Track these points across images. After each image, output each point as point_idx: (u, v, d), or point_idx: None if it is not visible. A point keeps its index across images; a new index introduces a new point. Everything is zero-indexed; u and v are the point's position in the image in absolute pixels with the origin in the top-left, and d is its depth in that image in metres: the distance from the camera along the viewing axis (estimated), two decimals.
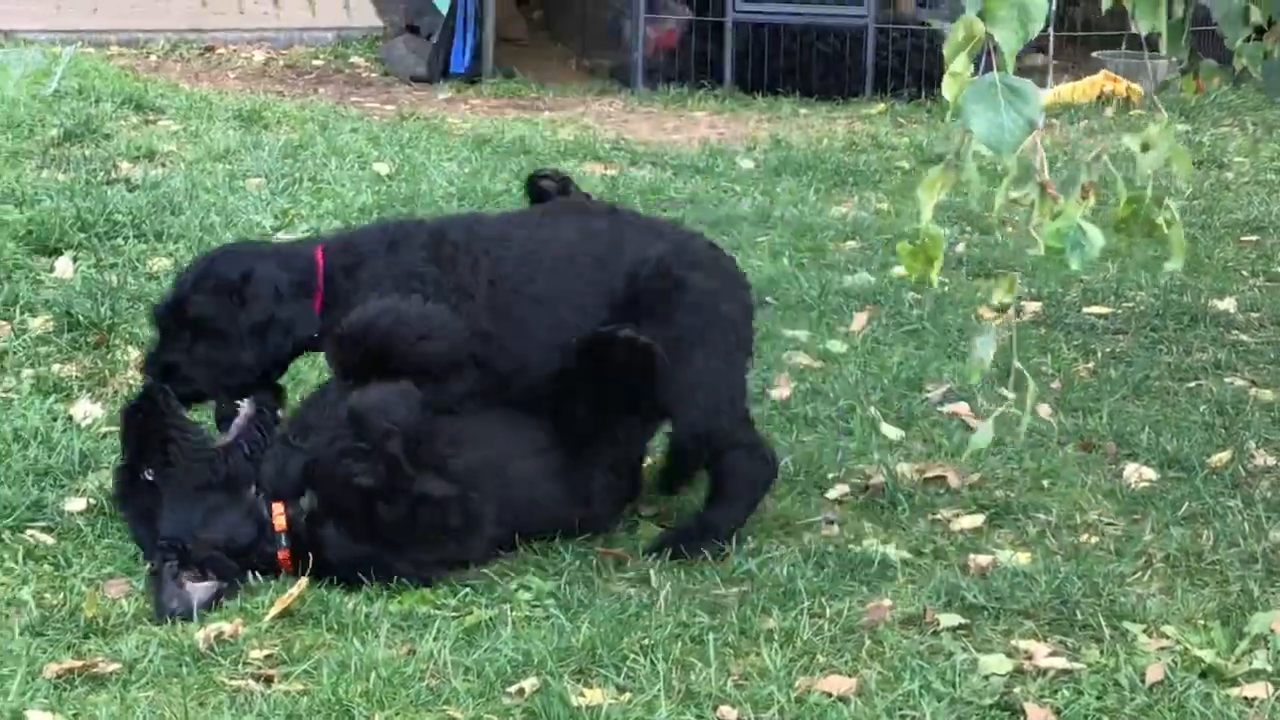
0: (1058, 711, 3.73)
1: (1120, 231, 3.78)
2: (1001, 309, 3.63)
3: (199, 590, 4.13)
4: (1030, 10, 3.35)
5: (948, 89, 3.42)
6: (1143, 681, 3.82)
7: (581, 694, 3.73)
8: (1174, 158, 3.77)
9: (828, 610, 4.13)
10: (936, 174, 3.59)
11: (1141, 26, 4.13)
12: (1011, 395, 5.47)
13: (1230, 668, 3.89)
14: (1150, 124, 3.74)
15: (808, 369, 5.79)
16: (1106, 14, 4.44)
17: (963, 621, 4.10)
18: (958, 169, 3.51)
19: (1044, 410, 5.33)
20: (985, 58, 3.41)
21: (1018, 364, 3.81)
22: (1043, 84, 9.87)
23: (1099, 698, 3.78)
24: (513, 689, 3.76)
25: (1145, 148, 3.74)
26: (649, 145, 9.17)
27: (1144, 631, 4.05)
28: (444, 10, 10.84)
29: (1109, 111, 10.20)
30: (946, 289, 6.57)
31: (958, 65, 3.39)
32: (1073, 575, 4.29)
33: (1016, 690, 3.80)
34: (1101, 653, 3.96)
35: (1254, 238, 7.57)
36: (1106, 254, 3.66)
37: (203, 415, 4.68)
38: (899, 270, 6.89)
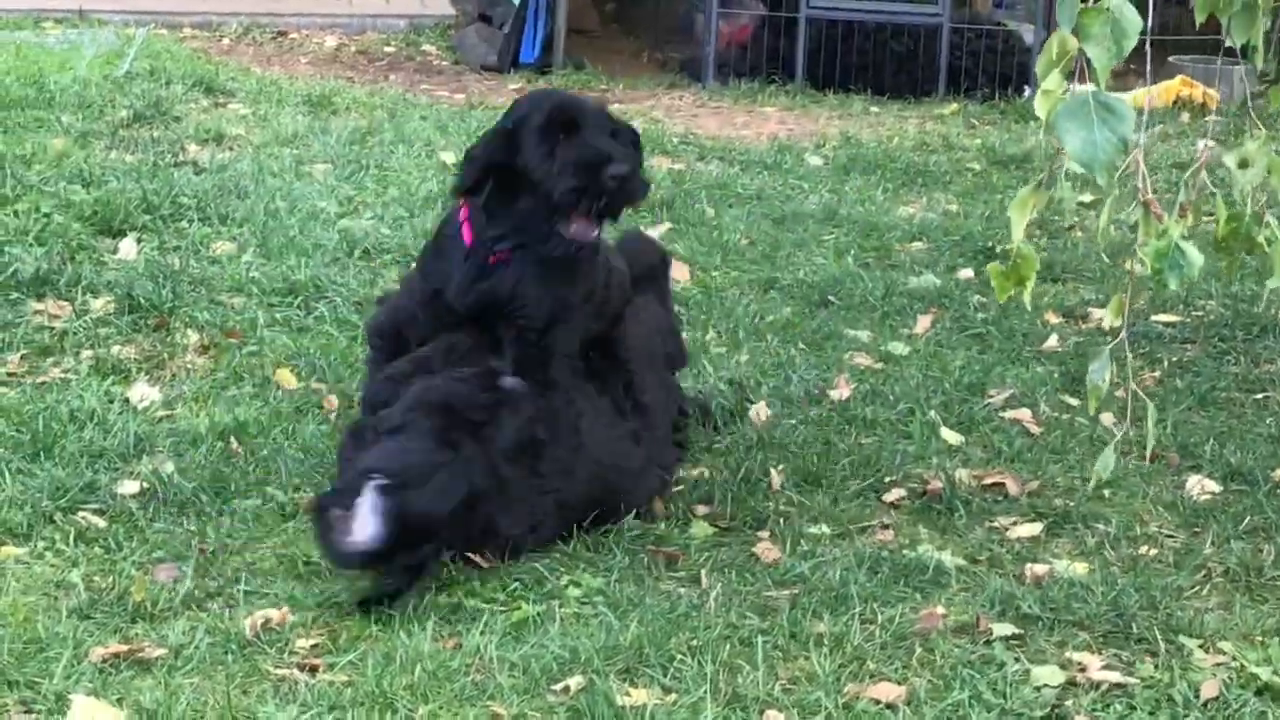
0: None
1: (1221, 249, 3.72)
2: (1113, 331, 3.59)
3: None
4: (1125, 26, 3.29)
5: (1040, 106, 3.36)
6: (1197, 698, 3.75)
7: (627, 693, 3.69)
8: (1273, 172, 3.69)
9: (879, 616, 4.07)
10: (1027, 193, 3.54)
11: (1236, 38, 4.04)
12: (1075, 402, 5.45)
13: None
14: (1248, 140, 3.68)
15: (868, 370, 5.74)
16: (1191, 22, 4.38)
17: (1016, 631, 4.04)
18: (1048, 188, 3.45)
19: (1107, 419, 5.26)
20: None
21: (1134, 386, 3.75)
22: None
23: (1152, 713, 3.72)
24: (558, 686, 3.72)
25: (1243, 164, 3.67)
26: (718, 140, 9.12)
27: (1200, 647, 3.98)
28: (516, 1, 10.84)
29: (1185, 117, 10.09)
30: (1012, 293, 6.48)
31: (1050, 82, 3.33)
32: (1130, 587, 4.22)
33: (1068, 703, 3.74)
34: (1156, 667, 3.89)
35: None
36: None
37: None
38: (965, 273, 6.83)
